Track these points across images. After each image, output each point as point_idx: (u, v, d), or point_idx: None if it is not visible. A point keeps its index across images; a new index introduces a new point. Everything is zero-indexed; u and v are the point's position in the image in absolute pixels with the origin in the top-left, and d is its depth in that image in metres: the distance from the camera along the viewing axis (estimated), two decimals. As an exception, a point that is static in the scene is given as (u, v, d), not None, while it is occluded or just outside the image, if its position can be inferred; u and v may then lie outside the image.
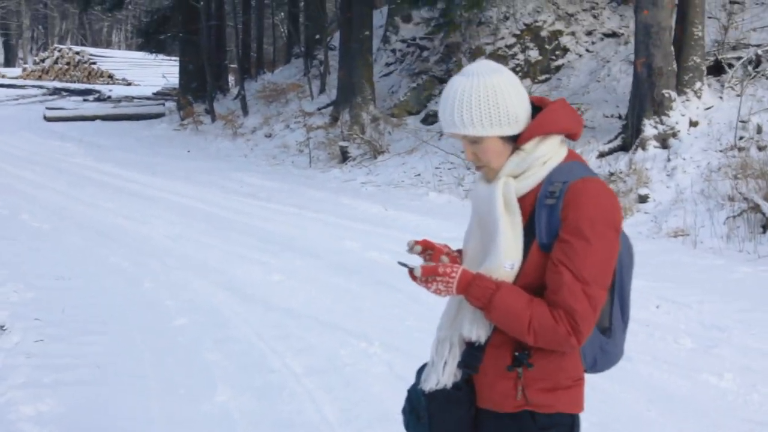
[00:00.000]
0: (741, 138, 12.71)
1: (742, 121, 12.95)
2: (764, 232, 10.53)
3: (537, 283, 2.61)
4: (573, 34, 18.86)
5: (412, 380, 5.70)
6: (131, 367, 6.14)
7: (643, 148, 13.63)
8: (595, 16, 18.98)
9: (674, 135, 13.55)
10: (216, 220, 12.45)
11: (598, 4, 19.13)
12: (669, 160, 13.24)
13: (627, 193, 12.99)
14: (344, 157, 19.10)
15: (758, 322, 7.25)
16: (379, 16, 24.45)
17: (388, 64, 23.01)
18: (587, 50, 18.62)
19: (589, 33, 18.79)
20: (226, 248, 10.38)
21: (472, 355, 2.71)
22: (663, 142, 13.58)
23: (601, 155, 14.36)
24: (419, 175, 16.91)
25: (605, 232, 2.55)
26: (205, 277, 8.89)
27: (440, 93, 20.00)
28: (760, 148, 12.32)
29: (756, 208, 10.82)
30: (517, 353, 2.65)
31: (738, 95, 13.78)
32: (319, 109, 23.28)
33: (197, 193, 15.28)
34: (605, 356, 2.82)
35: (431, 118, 19.54)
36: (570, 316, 2.51)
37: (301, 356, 6.35)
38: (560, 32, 18.89)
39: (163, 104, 32.49)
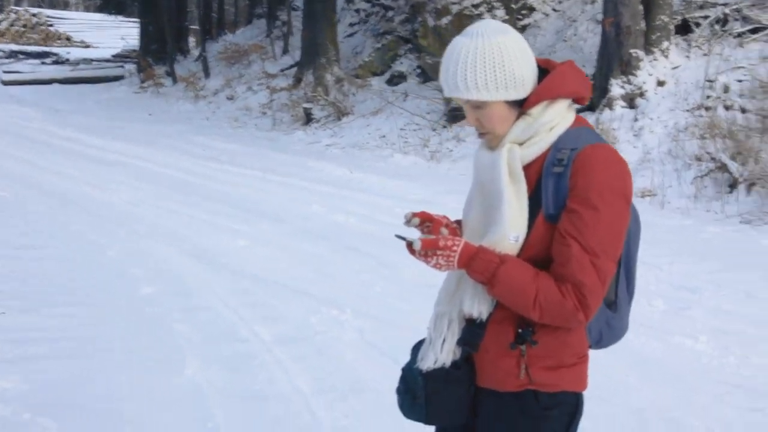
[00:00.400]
0: (708, 97, 12.66)
1: (709, 81, 12.90)
2: (731, 192, 10.52)
3: (542, 256, 2.47)
4: (538, -8, 18.70)
5: (384, 347, 5.66)
6: (98, 341, 5.94)
7: (611, 108, 13.57)
8: (560, -25, 18.81)
9: (641, 95, 13.49)
10: (179, 185, 12.25)
11: (563, -38, 18.97)
12: (636, 120, 13.19)
13: (594, 153, 12.91)
14: (308, 119, 18.91)
15: (728, 282, 7.22)
16: (343, -24, 24.14)
17: (351, 24, 22.75)
18: (554, 9, 18.49)
19: (554, -8, 18.64)
20: (190, 214, 10.20)
21: (472, 332, 2.57)
22: (630, 101, 13.52)
23: (568, 115, 14.26)
24: (384, 136, 16.77)
25: (615, 201, 2.41)
26: (170, 243, 8.72)
27: (405, 53, 19.94)
28: (726, 108, 12.28)
29: (723, 167, 10.80)
30: (520, 330, 2.51)
31: (705, 54, 13.72)
32: (282, 70, 23.02)
33: (160, 158, 15.04)
34: (611, 331, 2.72)
35: (396, 79, 19.37)
36: (578, 290, 2.38)
37: (271, 324, 6.21)
38: (526, -9, 18.72)
39: (123, 67, 32.02)
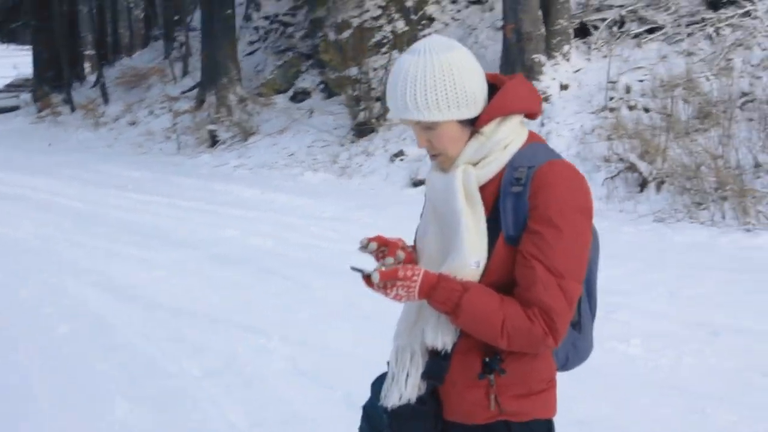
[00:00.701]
0: (611, 99, 12.84)
1: (611, 82, 13.08)
2: (642, 191, 10.66)
3: (505, 281, 2.34)
4: (438, 2, 18.76)
5: (316, 375, 5.51)
6: (18, 387, 5.62)
7: (517, 115, 13.62)
8: (457, -16, 18.91)
9: (546, 99, 13.60)
10: (86, 217, 11.89)
11: (460, -28, 19.08)
12: (543, 124, 13.28)
13: (504, 160, 12.97)
14: (213, 140, 18.65)
15: (654, 283, 7.27)
16: (240, -6, 23.90)
17: (251, 42, 22.53)
18: (453, 18, 18.55)
19: (454, 1, 18.71)
20: (100, 246, 9.88)
21: (437, 364, 2.43)
22: (535, 107, 13.60)
23: (476, 124, 14.31)
24: (292, 154, 16.63)
25: (576, 219, 2.31)
26: (82, 278, 8.40)
27: (308, 69, 19.78)
28: (630, 108, 12.46)
29: (632, 167, 10.94)
30: (487, 359, 2.38)
31: (605, 56, 13.91)
32: (183, 92, 22.68)
33: (63, 189, 14.63)
34: (577, 353, 2.63)
35: (300, 96, 19.22)
36: (546, 314, 2.26)
37: (197, 357, 5.96)
38: (425, 1, 18.76)
39: (18, 97, 31.14)
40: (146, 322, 6.87)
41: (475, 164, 2.40)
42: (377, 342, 6.01)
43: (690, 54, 13.18)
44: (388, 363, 2.58)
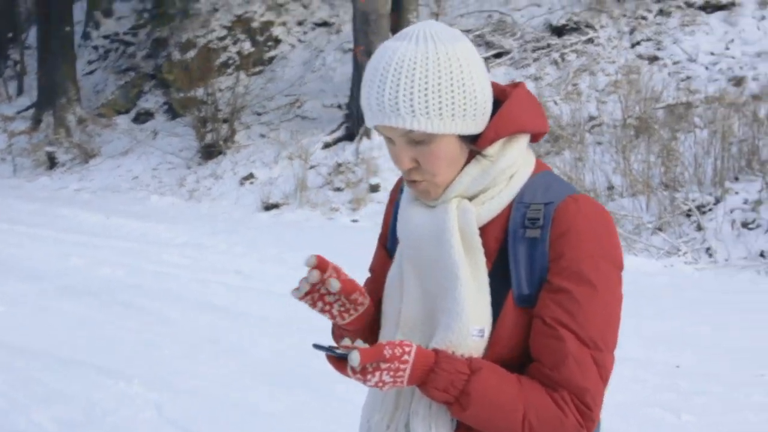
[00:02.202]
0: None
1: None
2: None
3: (513, 355, 1.81)
4: (284, 24, 18.59)
5: (186, 423, 5.17)
6: None
7: (368, 137, 13.61)
8: (305, 6, 18.79)
9: (397, 122, 13.59)
10: None
11: (307, -7, 18.98)
12: (395, 147, 13.26)
13: (357, 183, 12.92)
14: (52, 163, 17.89)
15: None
16: (78, 11, 23.05)
17: (90, 62, 21.75)
18: (300, 40, 18.41)
19: (300, 23, 18.58)
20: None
21: None
22: (387, 129, 13.60)
23: (327, 146, 14.22)
24: (137, 177, 16.13)
25: (611, 273, 1.81)
26: None
27: (151, 89, 19.24)
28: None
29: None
30: None
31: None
32: (18, 112, 21.64)
33: None
34: None
35: (143, 117, 18.65)
36: (580, 400, 1.74)
37: (50, 407, 5.38)
38: (271, 23, 18.56)
39: None
40: (-11, 365, 6.36)
41: (470, 198, 1.87)
42: (246, 381, 5.81)
43: (537, 78, 13.45)
44: None
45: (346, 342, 1.75)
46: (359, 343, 1.73)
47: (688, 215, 9.81)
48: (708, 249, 9.20)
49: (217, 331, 6.72)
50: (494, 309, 1.81)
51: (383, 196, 12.42)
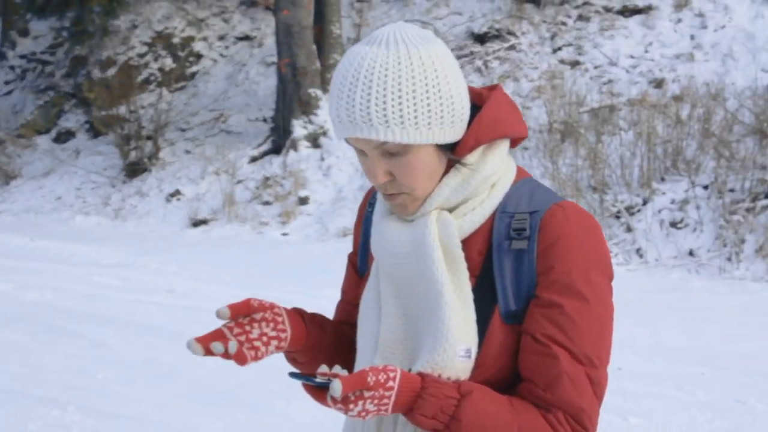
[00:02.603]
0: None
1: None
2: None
3: (501, 375, 1.70)
4: (205, 39, 18.41)
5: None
6: None
7: (295, 149, 13.54)
8: (225, 20, 18.64)
9: (324, 134, 13.58)
10: None
11: (227, 8, 18.82)
12: (323, 159, 13.24)
13: (286, 196, 12.84)
14: (-29, 186, 17.44)
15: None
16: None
17: (7, 82, 21.25)
18: (222, 55, 18.25)
19: (221, 37, 18.42)
20: None
21: None
22: (314, 141, 13.57)
23: (254, 160, 14.12)
24: (60, 198, 15.81)
25: (602, 284, 1.70)
26: None
27: (72, 108, 18.89)
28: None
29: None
30: None
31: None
32: (-67, 136, 21.11)
33: None
34: None
35: (64, 136, 18.28)
36: (576, 420, 1.65)
37: None
38: (192, 38, 18.37)
39: None
40: None
41: (451, 210, 1.75)
42: (185, 403, 5.69)
43: (462, 86, 13.51)
44: None
45: (324, 369, 1.62)
46: (338, 369, 1.61)
47: (617, 217, 9.94)
48: (638, 250, 9.33)
49: (153, 352, 6.57)
50: (480, 327, 1.69)
51: (312, 208, 12.37)
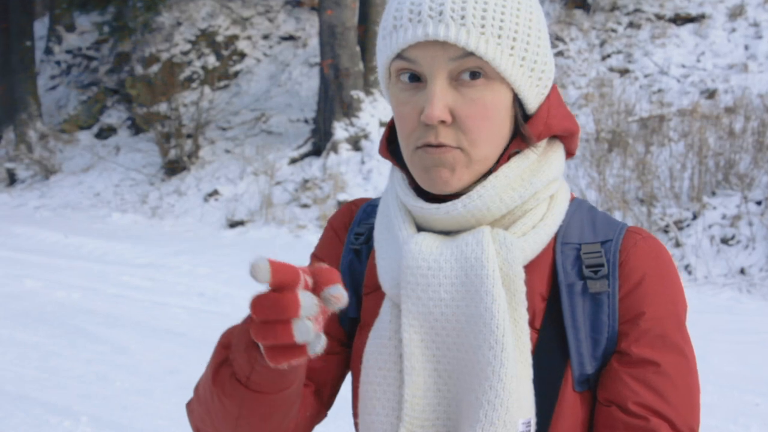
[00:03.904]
0: (432, 136, 12.67)
1: (432, 120, 12.92)
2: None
3: None
4: (249, 38, 18.26)
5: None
6: None
7: (336, 152, 13.28)
8: (270, 20, 18.47)
9: (366, 137, 13.31)
10: None
11: (272, 7, 18.65)
12: (363, 162, 12.97)
13: (325, 200, 12.58)
14: (12, 179, 17.44)
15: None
16: (40, 26, 22.59)
17: (53, 77, 21.28)
18: (265, 54, 18.09)
19: (265, 37, 18.26)
20: None
21: None
22: (355, 144, 13.30)
23: (293, 161, 13.89)
24: (98, 194, 15.70)
25: (687, 329, 1.35)
26: None
27: (114, 105, 18.80)
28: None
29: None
30: None
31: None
32: (-22, 129, 21.19)
33: None
34: None
35: (106, 132, 18.23)
36: None
37: None
38: (236, 37, 18.23)
39: None
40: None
41: (502, 225, 1.31)
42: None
43: (508, 91, 13.20)
44: None
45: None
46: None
47: (666, 231, 9.55)
48: (687, 266, 8.93)
49: (175, 361, 6.32)
50: (546, 394, 1.27)
51: (351, 213, 12.11)
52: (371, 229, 1.46)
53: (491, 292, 1.22)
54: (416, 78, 1.26)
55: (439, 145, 1.24)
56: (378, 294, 1.38)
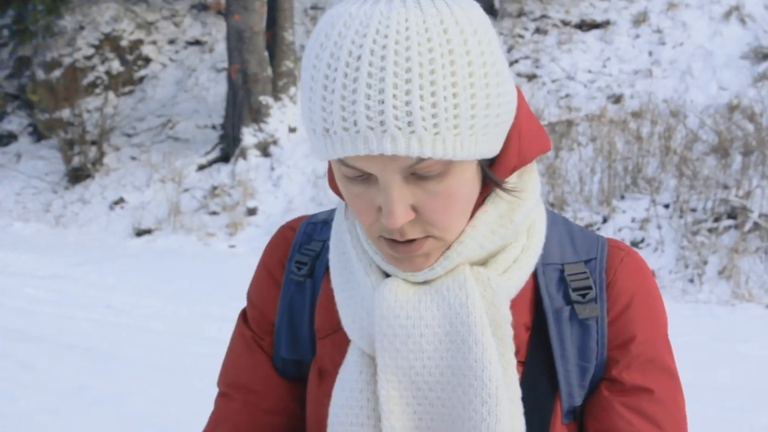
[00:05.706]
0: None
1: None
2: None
3: None
4: (155, 43, 17.91)
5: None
6: None
7: (245, 158, 13.12)
8: (176, 24, 18.16)
9: (275, 142, 13.18)
10: None
11: (178, 11, 18.34)
12: (273, 168, 12.83)
13: (234, 206, 12.41)
14: None
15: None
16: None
17: (-53, 82, 20.59)
18: (171, 59, 17.76)
19: (171, 41, 17.94)
20: None
21: None
22: (264, 150, 13.16)
23: (201, 168, 13.67)
24: (-1, 203, 15.21)
25: (671, 346, 1.28)
26: None
27: (14, 111, 18.26)
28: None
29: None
30: None
31: (334, 99, 13.69)
32: None
33: None
34: None
35: (6, 139, 17.65)
36: None
37: None
38: (141, 41, 17.86)
39: None
40: None
41: (482, 264, 1.19)
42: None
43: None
44: None
45: None
46: None
47: (576, 235, 9.64)
48: (598, 269, 9.03)
49: (84, 377, 6.10)
50: (540, 428, 1.18)
51: (261, 219, 11.95)
52: (317, 255, 1.32)
53: (481, 341, 1.11)
54: (364, 176, 1.10)
55: (407, 241, 1.12)
56: (338, 337, 1.25)
